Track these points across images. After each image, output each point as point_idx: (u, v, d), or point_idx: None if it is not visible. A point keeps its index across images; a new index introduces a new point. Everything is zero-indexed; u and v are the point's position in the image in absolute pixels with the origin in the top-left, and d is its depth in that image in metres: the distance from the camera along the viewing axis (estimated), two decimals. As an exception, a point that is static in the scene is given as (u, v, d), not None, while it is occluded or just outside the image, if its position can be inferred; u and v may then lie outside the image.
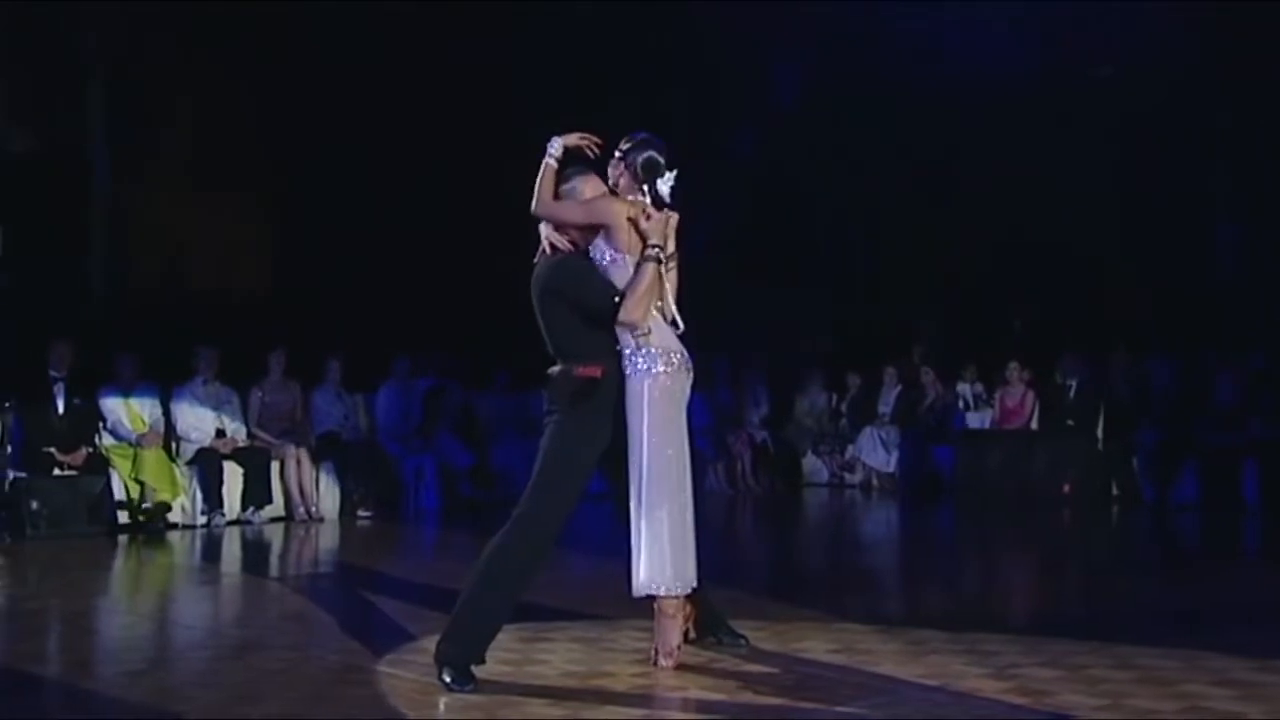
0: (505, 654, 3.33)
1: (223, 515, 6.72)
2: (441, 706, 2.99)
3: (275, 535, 6.64)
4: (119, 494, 6.47)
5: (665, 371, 3.25)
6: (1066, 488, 7.80)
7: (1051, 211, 9.39)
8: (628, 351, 3.26)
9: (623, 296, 3.23)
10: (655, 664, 3.28)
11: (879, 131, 9.71)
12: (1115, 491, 7.80)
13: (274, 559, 6.19)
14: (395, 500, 7.42)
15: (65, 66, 8.30)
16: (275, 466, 6.97)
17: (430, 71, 8.70)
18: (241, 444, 6.97)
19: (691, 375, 3.33)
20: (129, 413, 6.71)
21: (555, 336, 3.34)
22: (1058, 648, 3.49)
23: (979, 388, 8.73)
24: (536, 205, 3.33)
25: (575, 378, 3.25)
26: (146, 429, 6.68)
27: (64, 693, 3.36)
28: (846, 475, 9.02)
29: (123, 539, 6.29)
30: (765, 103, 10.43)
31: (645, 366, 3.24)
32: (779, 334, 9.66)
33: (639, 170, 3.31)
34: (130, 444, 6.62)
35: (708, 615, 3.51)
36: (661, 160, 3.31)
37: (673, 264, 3.33)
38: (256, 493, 6.83)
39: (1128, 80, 9.19)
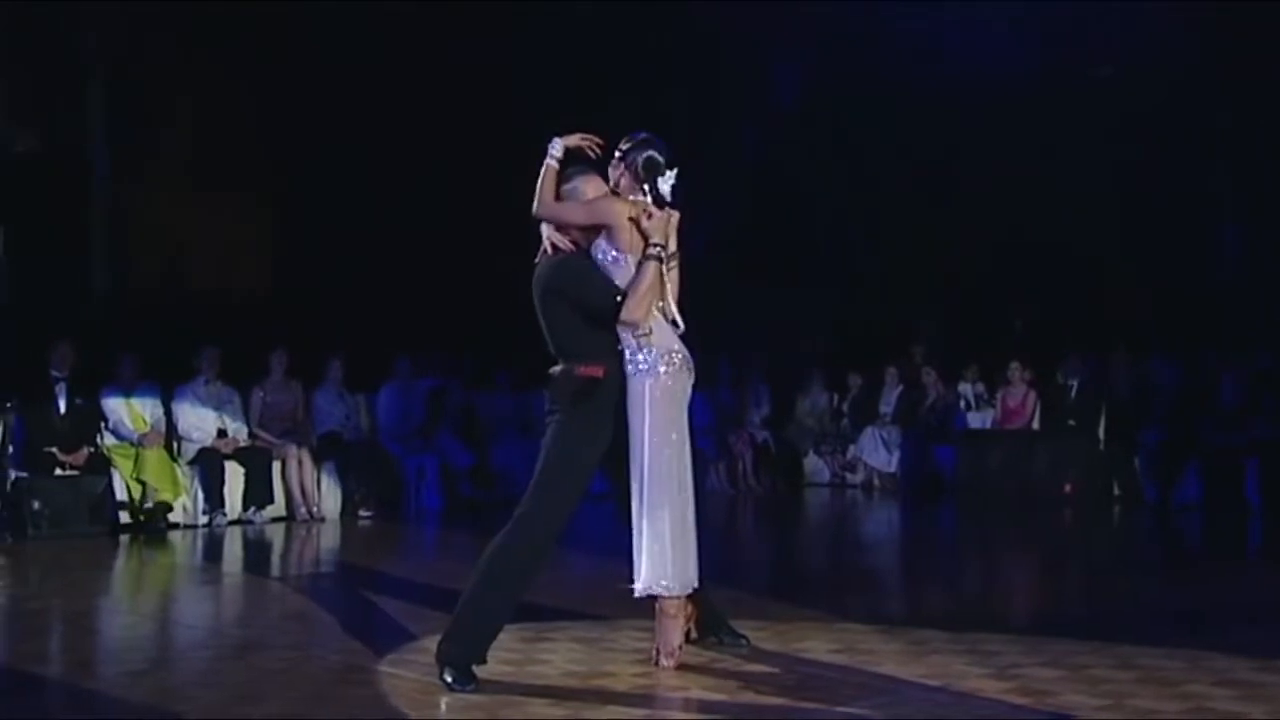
0: (507, 654, 3.32)
1: (224, 515, 6.72)
2: (443, 706, 2.99)
3: (277, 535, 6.64)
4: (120, 494, 6.47)
5: (667, 371, 3.25)
6: (1068, 488, 7.80)
7: (1051, 211, 9.39)
8: (629, 351, 3.26)
9: (624, 296, 3.22)
10: (656, 664, 3.28)
11: (879, 131, 9.72)
12: (1117, 492, 7.80)
13: (275, 559, 6.19)
14: (396, 500, 7.42)
15: (66, 67, 8.31)
16: (277, 466, 6.97)
17: (430, 71, 8.70)
18: (243, 444, 6.97)
19: (693, 375, 3.33)
20: (130, 413, 6.71)
21: (557, 336, 3.34)
22: (1059, 648, 3.49)
23: (980, 388, 8.73)
24: (538, 206, 3.33)
25: (577, 377, 3.25)
26: (148, 429, 6.68)
27: (66, 693, 3.37)
28: (848, 475, 9.02)
29: (124, 539, 6.30)
30: (765, 103, 10.44)
31: (647, 366, 3.24)
32: (779, 334, 9.66)
33: (640, 170, 3.31)
34: (132, 444, 6.62)
35: (709, 615, 3.51)
36: (661, 159, 3.31)
37: (674, 263, 3.33)
38: (258, 493, 6.84)
39: (1128, 80, 9.19)
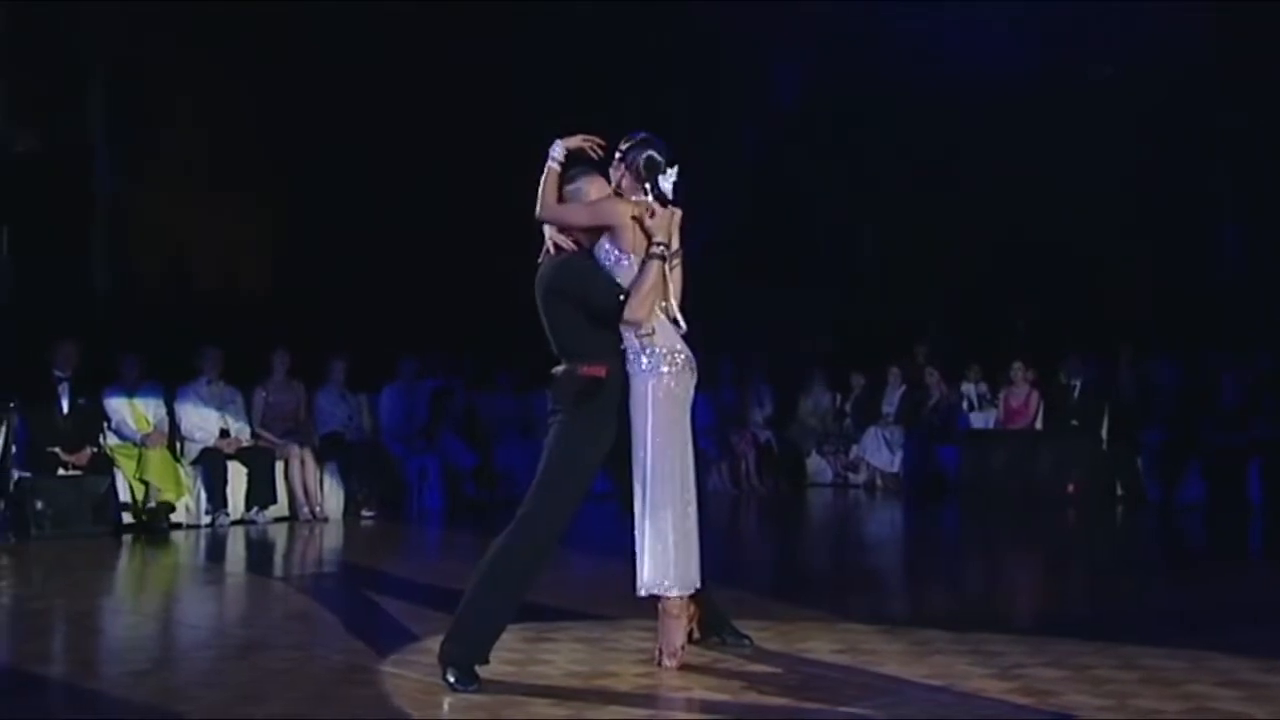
0: (509, 654, 3.32)
1: (227, 515, 6.73)
2: (445, 706, 2.99)
3: (279, 535, 6.64)
4: (123, 494, 6.47)
5: (669, 372, 3.25)
6: (1071, 488, 7.80)
7: (1051, 211, 9.39)
8: (632, 352, 3.26)
9: (627, 295, 3.23)
10: (659, 664, 3.28)
11: (879, 131, 9.72)
12: (1120, 492, 7.81)
13: (278, 559, 6.19)
14: (399, 500, 7.43)
15: (66, 67, 8.31)
16: (279, 467, 6.98)
17: (430, 71, 8.70)
18: (245, 444, 6.98)
19: (695, 375, 3.33)
20: (133, 413, 6.71)
21: (559, 336, 3.34)
22: (1062, 648, 3.49)
23: (983, 388, 8.73)
24: (541, 209, 3.33)
25: (579, 378, 3.25)
26: (151, 429, 6.69)
27: (69, 693, 3.36)
28: (850, 475, 9.02)
29: (127, 539, 6.30)
30: (765, 103, 10.43)
31: (649, 367, 3.24)
32: (779, 334, 9.66)
33: (640, 169, 3.31)
34: (135, 444, 6.63)
35: (712, 615, 3.51)
36: (661, 158, 3.31)
37: (677, 262, 3.33)
38: (260, 493, 6.84)
39: (1128, 80, 9.19)
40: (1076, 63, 9.38)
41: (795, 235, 10.23)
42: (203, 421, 6.94)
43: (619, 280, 3.27)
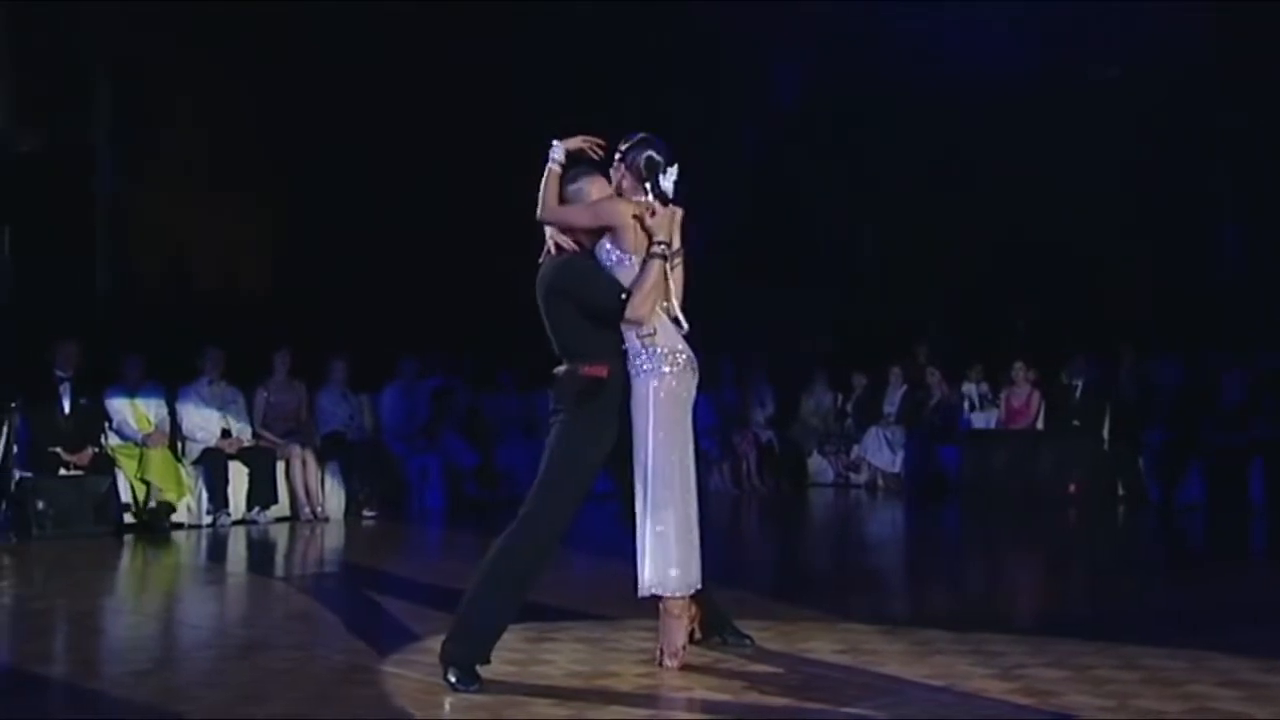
0: (510, 654, 3.32)
1: (228, 515, 6.73)
2: (447, 706, 2.99)
3: (280, 535, 6.64)
4: (125, 494, 6.47)
5: (671, 372, 3.25)
6: (1072, 488, 7.80)
7: (1051, 211, 9.39)
8: (633, 352, 3.27)
9: (629, 294, 3.23)
10: (660, 664, 3.28)
11: (879, 131, 9.71)
12: (1121, 492, 7.80)
13: (279, 559, 6.19)
14: (400, 500, 7.43)
15: (67, 67, 8.31)
16: (280, 466, 6.98)
17: (430, 71, 8.70)
18: (247, 444, 6.98)
19: (697, 376, 3.34)
20: (134, 413, 6.72)
21: (561, 336, 3.34)
22: (1064, 648, 3.49)
23: (984, 388, 8.73)
24: (542, 211, 3.33)
25: (581, 377, 3.25)
26: (152, 429, 6.70)
27: (70, 692, 3.37)
28: (852, 475, 9.02)
29: (129, 539, 6.30)
30: (765, 103, 10.43)
31: (651, 367, 3.24)
32: (780, 334, 9.66)
33: (641, 169, 3.31)
34: (136, 444, 6.63)
35: (713, 615, 3.51)
36: (661, 158, 3.31)
37: (678, 260, 3.33)
38: (262, 493, 6.85)
39: (1128, 80, 9.19)
40: (1076, 63, 9.37)
41: (795, 235, 10.23)
42: (204, 421, 6.94)
43: (620, 280, 3.27)
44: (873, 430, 8.86)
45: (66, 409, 6.47)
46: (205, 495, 6.73)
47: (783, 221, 10.18)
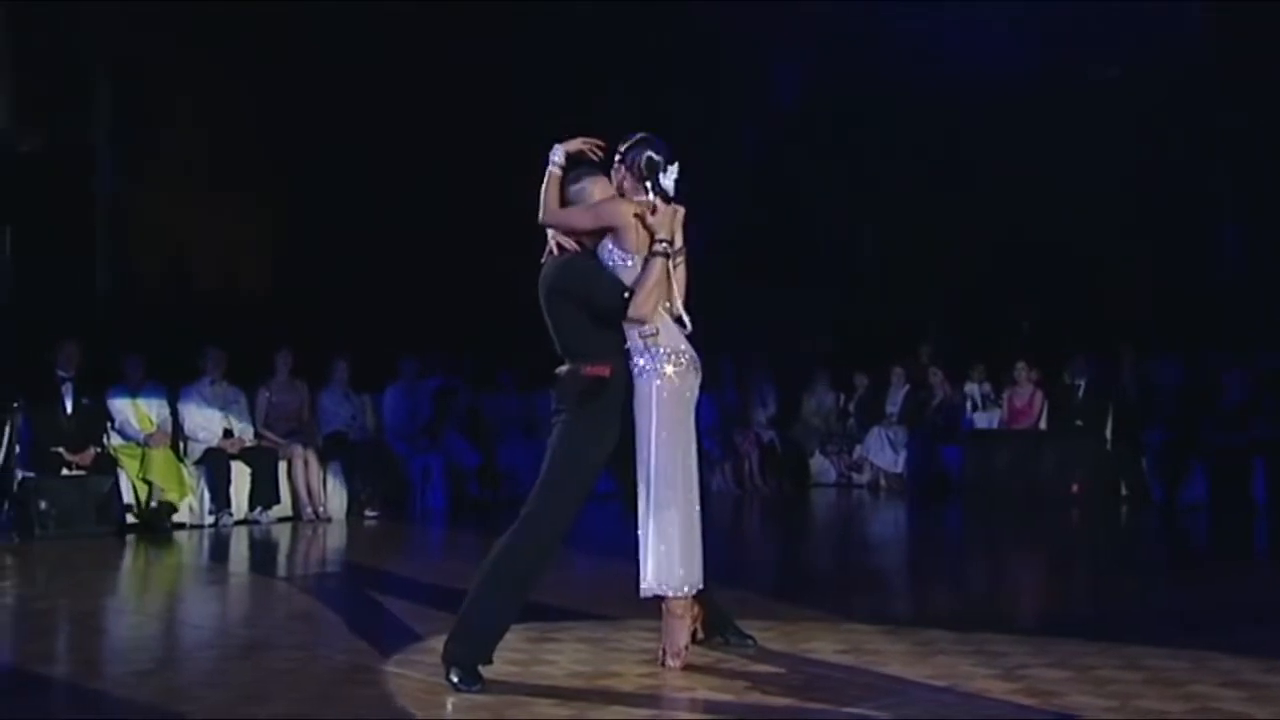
0: (512, 654, 3.32)
1: (230, 515, 6.74)
2: (449, 706, 2.99)
3: (282, 535, 6.65)
4: (127, 494, 6.47)
5: (674, 372, 3.25)
6: (1075, 488, 7.79)
7: (1051, 211, 9.39)
8: (636, 351, 3.27)
9: (632, 293, 3.23)
10: (662, 664, 3.28)
11: (879, 131, 9.71)
12: (1124, 491, 7.79)
13: (281, 559, 6.20)
14: (402, 500, 7.43)
15: (67, 67, 8.31)
16: (283, 466, 6.98)
17: (430, 71, 8.70)
18: (249, 444, 6.98)
19: (700, 375, 3.34)
20: (137, 413, 6.72)
21: (563, 336, 3.34)
22: (1066, 648, 3.49)
23: (987, 388, 8.73)
24: (543, 214, 3.34)
25: (583, 377, 3.25)
26: (154, 429, 6.70)
27: (72, 692, 3.37)
28: (854, 475, 9.01)
29: (131, 539, 6.30)
30: (765, 103, 10.43)
31: (654, 367, 3.24)
32: (780, 334, 9.66)
33: (641, 169, 3.32)
34: (138, 444, 6.63)
35: (715, 616, 3.51)
36: (660, 157, 3.32)
37: (680, 259, 3.33)
38: (264, 493, 6.85)
39: (1128, 80, 9.19)
40: (1076, 63, 9.37)
41: (795, 235, 10.23)
42: (206, 422, 6.94)
43: (623, 281, 3.27)
44: (875, 430, 8.86)
45: (69, 409, 6.47)
46: (207, 495, 6.73)
47: (783, 221, 10.18)
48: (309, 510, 6.99)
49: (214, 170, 8.64)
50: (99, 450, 6.48)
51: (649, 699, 3.04)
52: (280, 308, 8.48)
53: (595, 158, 3.39)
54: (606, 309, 3.27)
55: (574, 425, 3.25)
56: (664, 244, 3.26)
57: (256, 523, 6.81)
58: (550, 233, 3.42)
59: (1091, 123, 9.18)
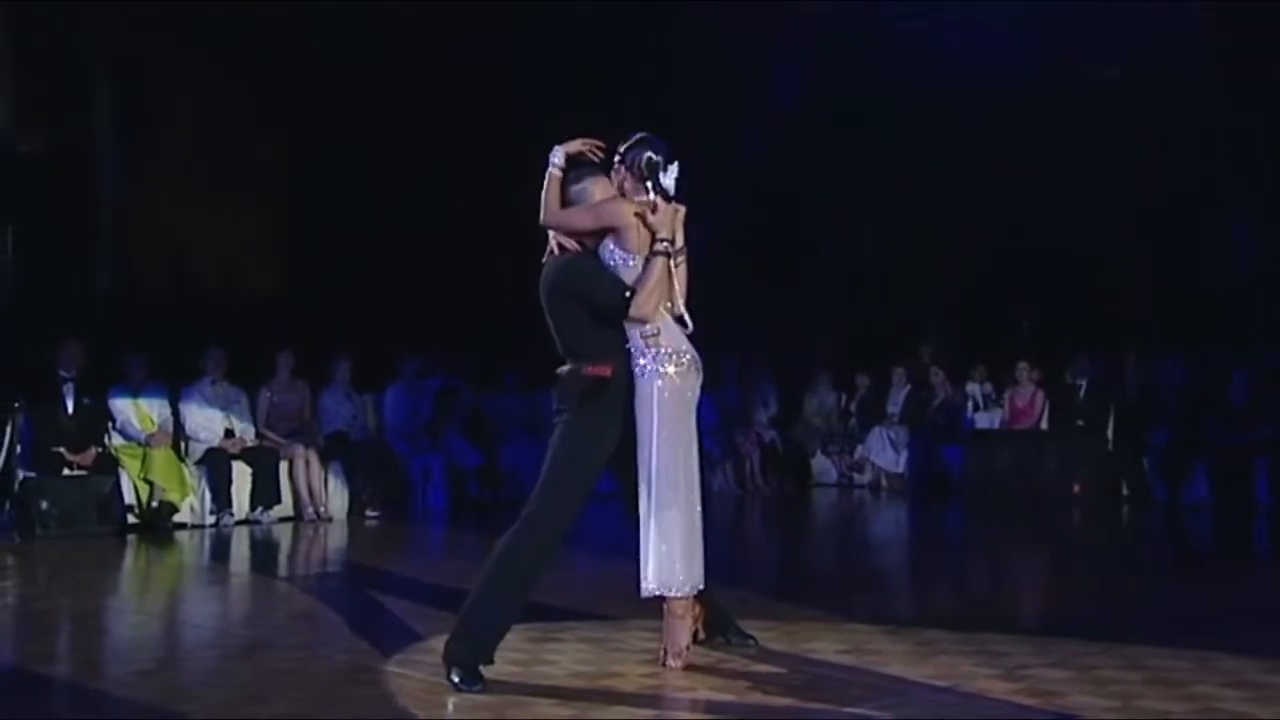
0: (513, 654, 3.32)
1: (231, 515, 6.74)
2: (450, 706, 2.99)
3: (284, 535, 6.65)
4: (128, 494, 6.47)
5: (675, 371, 3.25)
6: (1077, 488, 7.79)
7: (1052, 211, 9.39)
8: (637, 351, 3.27)
9: (633, 292, 3.23)
10: (664, 664, 3.28)
11: (879, 131, 9.71)
12: (1126, 492, 7.80)
13: (282, 559, 6.20)
14: (403, 500, 7.43)
15: (68, 67, 8.31)
16: (284, 466, 6.98)
17: (430, 71, 8.70)
18: (250, 444, 6.98)
19: (701, 375, 3.33)
20: (138, 413, 6.72)
21: (565, 336, 3.34)
22: (1068, 648, 3.49)
23: (988, 388, 8.73)
24: (545, 215, 3.34)
25: (585, 377, 3.25)
26: (155, 429, 6.70)
27: (73, 692, 3.37)
28: (855, 475, 9.01)
29: (132, 539, 6.30)
30: (765, 103, 10.43)
31: (655, 367, 3.24)
32: (780, 334, 9.66)
33: (642, 169, 3.32)
34: (139, 444, 6.63)
35: (716, 616, 3.51)
36: (659, 157, 3.32)
37: (681, 259, 3.33)
38: (265, 493, 6.85)
39: (1128, 80, 9.19)
40: (1076, 63, 9.37)
41: (795, 235, 10.23)
42: (207, 421, 6.94)
43: (624, 281, 3.27)
44: (876, 430, 8.86)
45: (70, 409, 6.47)
46: (208, 495, 6.73)
47: (783, 221, 10.18)
48: (310, 510, 6.99)
49: (214, 170, 8.64)
50: (100, 450, 6.48)
51: (650, 699, 3.03)
52: (282, 307, 8.49)
53: (595, 159, 3.40)
54: (608, 309, 3.26)
55: (575, 425, 3.25)
56: (665, 243, 3.26)
57: (257, 523, 6.81)
58: (551, 233, 3.42)
59: (1091, 123, 9.17)
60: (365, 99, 8.51)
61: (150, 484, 6.52)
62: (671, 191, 3.33)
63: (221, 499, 6.71)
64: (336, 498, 7.19)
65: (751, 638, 3.52)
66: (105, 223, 8.58)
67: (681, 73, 9.61)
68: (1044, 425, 8.30)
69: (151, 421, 6.73)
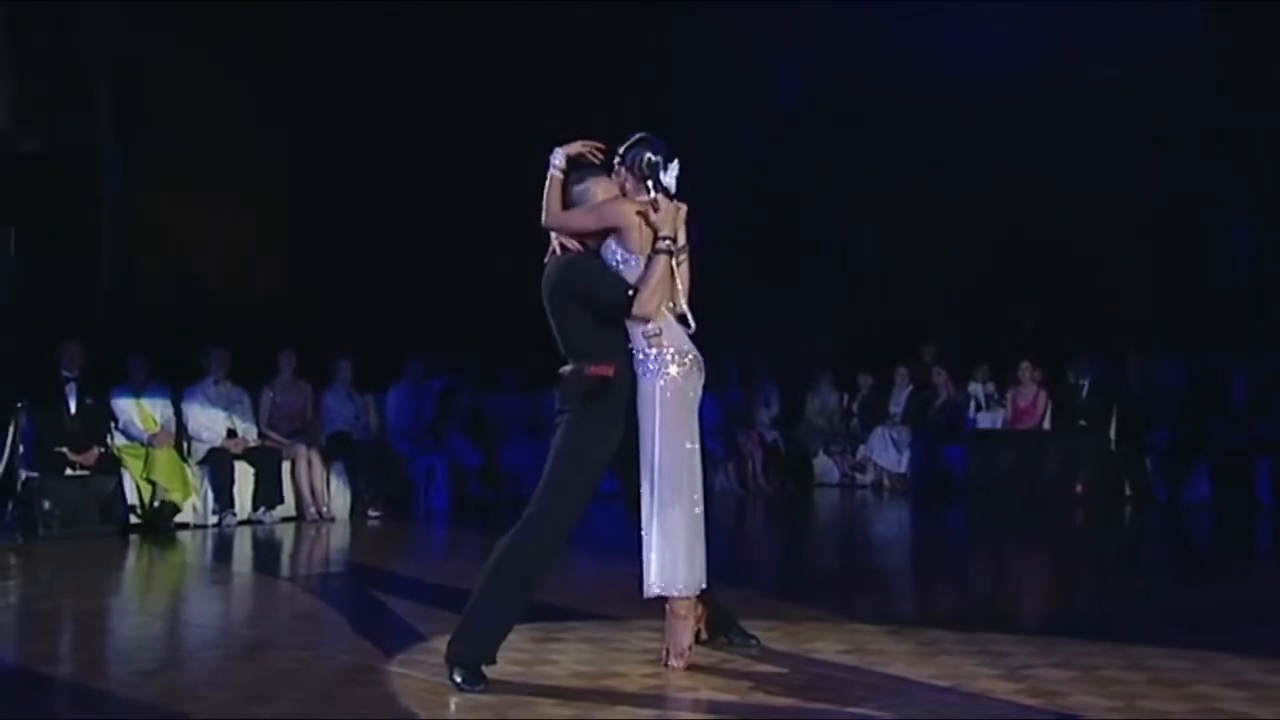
0: (516, 654, 3.33)
1: (234, 515, 6.74)
2: (452, 706, 2.99)
3: (286, 535, 6.65)
4: (130, 494, 6.47)
5: (678, 372, 3.25)
6: (1079, 488, 7.79)
7: (1052, 211, 9.40)
8: (640, 351, 3.27)
9: (636, 290, 3.23)
10: (666, 664, 3.28)
11: (879, 131, 9.71)
12: (1128, 492, 7.79)
13: (285, 559, 6.20)
14: (405, 500, 7.43)
15: (68, 67, 8.32)
16: (286, 466, 6.98)
17: (430, 71, 8.70)
18: (253, 444, 6.98)
19: (703, 375, 3.34)
20: (140, 413, 6.73)
21: (567, 336, 3.34)
22: (1070, 649, 3.49)
23: (991, 388, 8.73)
24: (547, 217, 3.34)
25: (587, 377, 3.25)
26: (158, 429, 6.70)
27: (76, 692, 3.37)
28: (858, 475, 9.01)
29: (134, 539, 6.30)
30: (765, 103, 10.43)
31: (657, 366, 3.25)
32: (780, 334, 9.66)
33: (642, 169, 3.32)
34: (142, 444, 6.63)
35: (719, 616, 3.51)
36: (659, 157, 3.32)
37: (683, 257, 3.34)
38: (267, 493, 6.85)
39: (1128, 80, 9.19)
40: (1076, 63, 9.37)
41: (795, 235, 10.23)
42: (210, 421, 6.94)
43: (627, 280, 3.28)
44: (878, 430, 8.86)
45: (72, 409, 6.47)
46: (211, 495, 6.73)
47: (783, 221, 10.18)
48: (312, 510, 6.99)
49: (214, 170, 8.64)
50: (103, 450, 6.48)
51: (653, 699, 3.04)
52: (282, 307, 8.49)
53: (595, 160, 3.40)
54: (610, 308, 3.27)
55: (578, 425, 3.26)
56: (667, 241, 3.26)
57: (260, 523, 6.81)
58: (553, 233, 3.42)
59: (1091, 123, 9.18)
60: (365, 99, 8.51)
61: (153, 484, 6.52)
62: (673, 189, 3.33)
63: (224, 499, 6.71)
64: (339, 498, 7.19)
65: (754, 638, 3.52)
66: (105, 223, 8.58)
67: (681, 73, 9.61)
68: (1046, 425, 8.30)
69: (154, 421, 6.73)
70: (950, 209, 9.77)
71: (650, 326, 3.24)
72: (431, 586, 4.72)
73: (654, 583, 3.23)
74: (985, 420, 8.62)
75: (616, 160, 3.39)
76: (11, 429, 6.29)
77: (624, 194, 3.36)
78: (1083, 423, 8.12)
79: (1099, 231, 9.43)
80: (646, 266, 3.25)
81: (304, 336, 7.57)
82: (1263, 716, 2.83)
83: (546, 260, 3.43)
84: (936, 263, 10.12)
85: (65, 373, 6.51)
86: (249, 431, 7.06)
